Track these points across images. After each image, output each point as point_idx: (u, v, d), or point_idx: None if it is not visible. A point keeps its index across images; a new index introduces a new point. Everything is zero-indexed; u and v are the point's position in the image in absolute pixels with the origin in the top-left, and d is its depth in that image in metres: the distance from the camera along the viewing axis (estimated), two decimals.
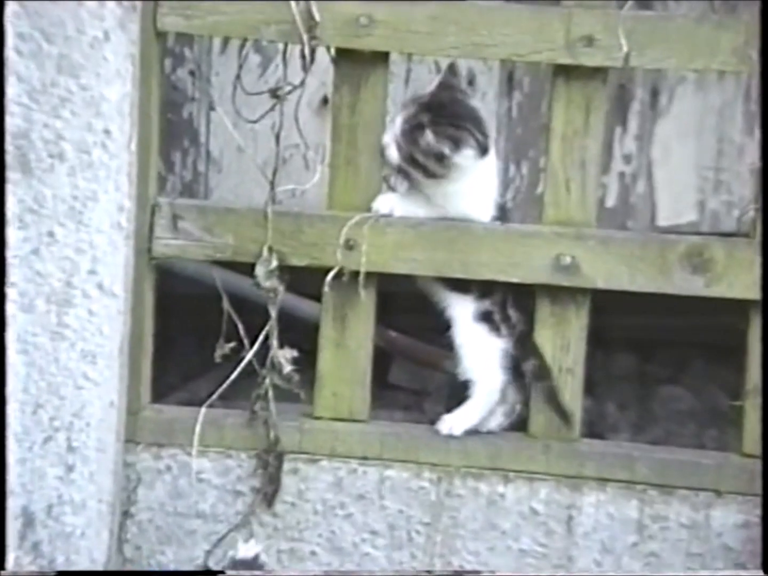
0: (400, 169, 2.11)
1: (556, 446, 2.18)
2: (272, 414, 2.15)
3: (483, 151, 2.09)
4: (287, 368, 2.15)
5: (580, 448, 2.19)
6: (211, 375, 2.67)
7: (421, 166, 2.08)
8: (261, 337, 2.14)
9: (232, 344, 2.14)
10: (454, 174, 2.09)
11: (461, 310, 2.19)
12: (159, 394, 2.32)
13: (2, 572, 1.93)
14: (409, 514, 2.19)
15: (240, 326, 2.15)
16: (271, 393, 2.14)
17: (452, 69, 2.13)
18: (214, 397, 2.17)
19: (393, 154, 2.10)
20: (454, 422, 2.20)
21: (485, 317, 2.18)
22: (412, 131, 2.07)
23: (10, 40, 1.90)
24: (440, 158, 2.06)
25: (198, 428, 2.16)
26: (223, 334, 2.15)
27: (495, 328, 2.18)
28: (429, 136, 2.05)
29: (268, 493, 2.17)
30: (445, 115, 2.07)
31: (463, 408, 2.22)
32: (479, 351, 2.18)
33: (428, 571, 2.17)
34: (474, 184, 2.13)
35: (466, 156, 2.07)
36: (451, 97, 2.11)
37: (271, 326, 2.15)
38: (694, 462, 2.18)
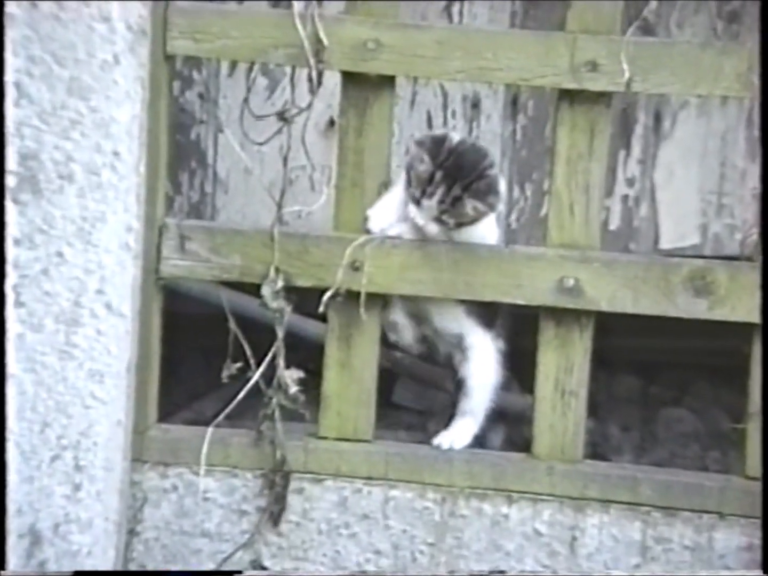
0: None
1: (560, 467, 2.19)
2: (279, 434, 2.16)
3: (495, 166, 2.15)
4: (293, 389, 2.16)
5: (584, 470, 2.19)
6: (217, 394, 2.68)
7: (469, 223, 2.12)
8: (267, 359, 2.15)
9: (239, 364, 2.15)
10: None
11: (482, 342, 2.25)
12: (165, 413, 2.34)
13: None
14: (413, 534, 2.20)
15: (246, 347, 2.16)
16: (277, 413, 2.15)
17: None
18: (221, 417, 2.18)
19: (434, 230, 2.12)
20: (454, 437, 2.22)
21: (498, 349, 2.26)
22: (453, 208, 2.09)
23: (21, 62, 1.93)
24: (491, 208, 2.12)
25: (205, 448, 2.17)
26: (230, 355, 2.16)
27: (503, 356, 2.26)
28: (471, 203, 2.09)
29: (275, 512, 2.18)
30: (466, 175, 2.09)
31: (462, 423, 2.25)
32: (490, 380, 2.25)
33: None
34: (493, 219, 2.18)
35: (499, 201, 2.13)
36: (452, 152, 2.11)
37: (278, 347, 2.16)
38: (697, 484, 2.18)
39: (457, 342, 2.27)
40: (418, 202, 2.11)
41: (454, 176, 2.08)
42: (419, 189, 2.11)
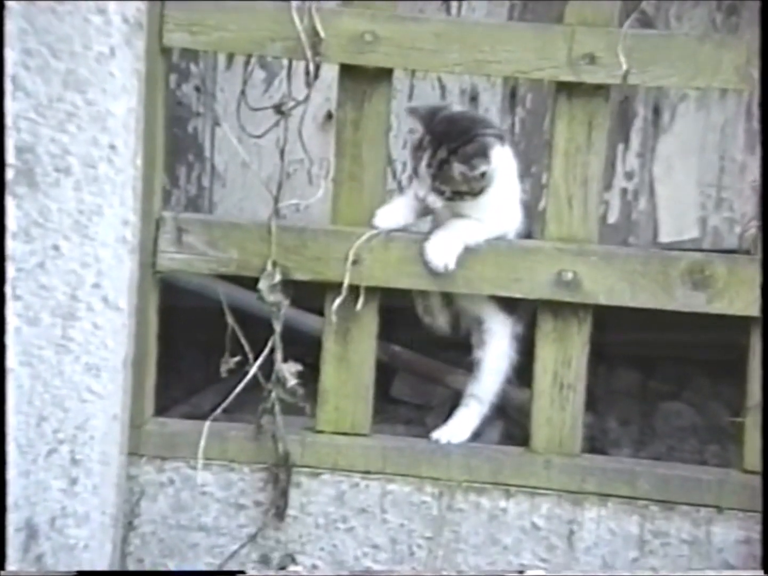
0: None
1: (558, 461, 2.18)
2: (280, 428, 2.16)
3: (500, 138, 2.12)
4: (291, 382, 2.15)
5: (582, 464, 2.19)
6: (215, 388, 2.68)
7: (465, 193, 2.10)
8: (265, 351, 2.15)
9: (237, 358, 2.15)
10: (493, 181, 2.11)
11: (502, 328, 2.24)
12: (162, 407, 2.33)
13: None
14: (410, 528, 2.20)
15: (244, 341, 2.15)
16: (278, 407, 2.15)
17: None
18: (218, 411, 2.18)
19: (437, 202, 2.11)
20: (453, 431, 2.22)
21: (517, 336, 2.25)
22: (441, 172, 2.07)
23: (17, 55, 1.92)
24: (482, 175, 2.08)
25: (202, 441, 2.16)
26: (228, 349, 2.15)
27: (519, 342, 2.25)
28: (458, 168, 2.06)
29: (280, 506, 2.18)
30: (454, 139, 2.07)
31: (462, 416, 2.25)
32: (504, 365, 2.25)
33: None
34: (504, 183, 2.14)
35: (496, 157, 2.09)
36: (445, 118, 2.11)
37: (275, 340, 2.16)
38: (696, 478, 2.18)
39: (477, 325, 2.26)
40: (415, 171, 2.11)
41: (440, 139, 2.07)
42: (413, 157, 2.11)
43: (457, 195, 2.09)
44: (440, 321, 2.30)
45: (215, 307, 2.24)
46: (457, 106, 2.15)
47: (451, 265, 2.12)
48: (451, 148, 2.06)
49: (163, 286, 2.23)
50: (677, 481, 2.17)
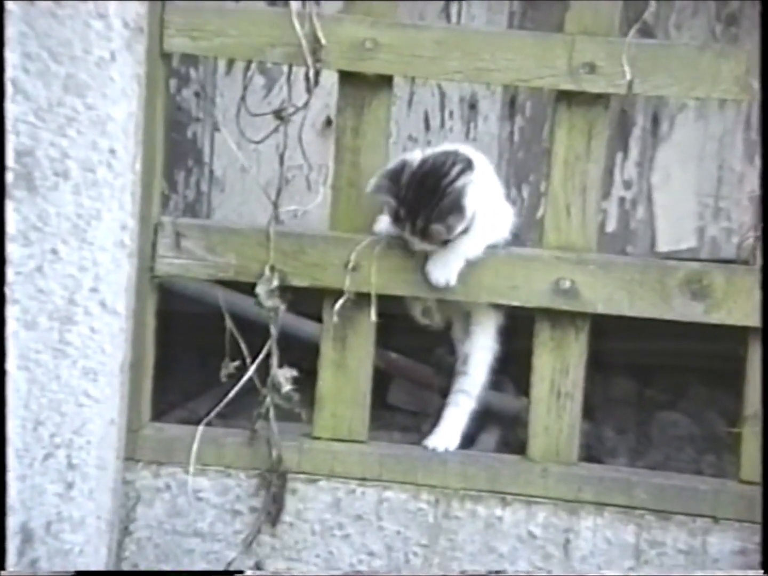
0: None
1: (555, 470, 2.18)
2: (274, 433, 2.16)
3: (469, 167, 2.09)
4: (286, 387, 2.15)
5: (579, 472, 2.19)
6: (212, 393, 2.66)
7: (447, 241, 2.10)
8: (261, 356, 2.15)
9: (236, 363, 2.15)
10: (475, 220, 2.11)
11: (488, 320, 2.26)
12: (159, 412, 2.33)
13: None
14: (406, 535, 2.19)
15: (243, 345, 2.15)
16: (272, 412, 2.15)
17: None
18: (212, 415, 2.18)
19: (429, 248, 2.11)
20: (446, 437, 2.23)
21: (501, 329, 2.27)
22: (424, 236, 2.07)
23: (17, 59, 1.92)
24: (464, 230, 2.09)
25: (195, 446, 2.16)
26: (227, 354, 2.15)
27: (502, 338, 2.27)
28: (436, 228, 2.05)
29: (272, 512, 2.17)
30: (427, 203, 2.06)
31: (452, 418, 2.25)
32: (490, 358, 2.27)
33: None
34: (486, 202, 2.14)
35: (472, 198, 2.08)
36: (411, 182, 2.08)
37: (271, 345, 2.16)
38: (692, 488, 2.18)
39: (465, 318, 2.27)
40: (401, 231, 2.11)
41: (415, 210, 2.06)
42: (394, 224, 2.10)
43: (447, 241, 2.10)
44: (436, 320, 2.30)
45: (212, 311, 2.24)
46: (415, 153, 2.11)
47: (453, 282, 2.13)
48: (426, 215, 2.05)
49: (160, 290, 2.23)
50: (674, 490, 2.17)
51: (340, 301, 2.14)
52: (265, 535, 2.19)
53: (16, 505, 1.98)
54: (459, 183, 2.07)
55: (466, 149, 2.16)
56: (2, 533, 1.95)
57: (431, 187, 2.07)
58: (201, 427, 2.18)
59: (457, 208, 2.07)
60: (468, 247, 2.13)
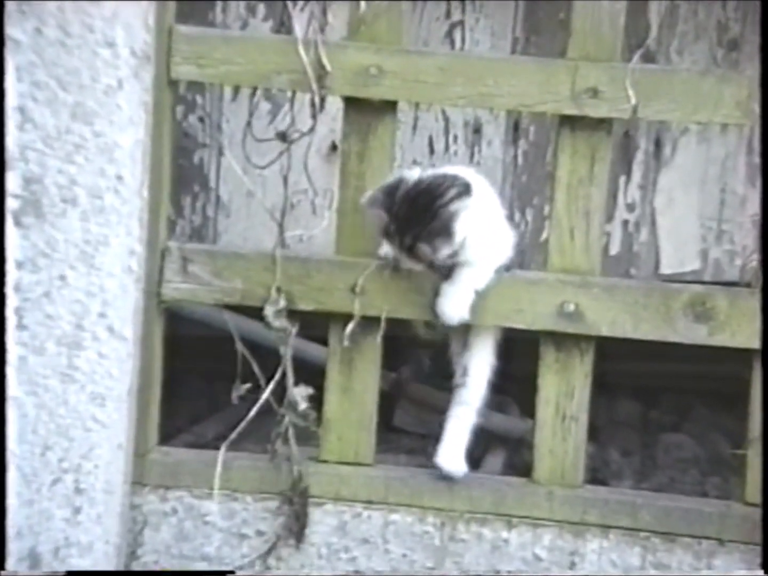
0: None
1: (560, 492, 2.19)
2: (293, 451, 2.16)
3: (466, 191, 2.07)
4: (303, 405, 2.16)
5: (584, 495, 2.20)
6: (217, 417, 2.69)
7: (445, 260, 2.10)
8: (276, 378, 2.15)
9: (248, 385, 2.15)
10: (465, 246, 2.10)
11: (487, 335, 2.24)
12: (166, 436, 2.34)
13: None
14: (412, 558, 2.20)
15: (255, 367, 2.16)
16: (291, 431, 2.15)
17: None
18: (228, 441, 2.17)
19: (418, 267, 2.10)
20: (453, 457, 2.22)
21: (499, 342, 2.26)
22: (411, 254, 2.07)
23: (26, 87, 1.94)
24: (451, 255, 2.08)
25: (218, 468, 2.16)
26: (239, 376, 2.16)
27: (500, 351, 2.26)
28: (423, 248, 2.04)
29: (294, 530, 2.17)
30: (417, 222, 2.05)
31: (453, 435, 2.24)
32: (489, 370, 2.25)
33: None
34: (483, 228, 2.13)
35: (464, 223, 2.06)
36: (405, 199, 2.07)
37: (285, 365, 2.16)
38: (697, 510, 2.18)
39: (464, 331, 2.25)
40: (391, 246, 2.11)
41: (405, 227, 2.05)
42: (386, 240, 2.10)
43: (435, 263, 2.09)
44: (439, 334, 2.31)
45: (217, 335, 2.25)
46: (414, 171, 2.10)
47: (466, 317, 2.13)
48: (415, 233, 2.05)
49: (167, 315, 2.24)
50: (679, 513, 2.18)
51: (351, 325, 2.14)
52: (272, 558, 2.20)
53: (23, 531, 1.99)
54: (452, 207, 2.06)
55: (467, 172, 2.16)
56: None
57: (424, 206, 2.06)
58: (222, 451, 2.17)
59: (446, 231, 2.06)
60: (474, 279, 2.13)
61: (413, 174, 2.10)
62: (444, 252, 2.07)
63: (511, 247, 2.19)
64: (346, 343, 2.16)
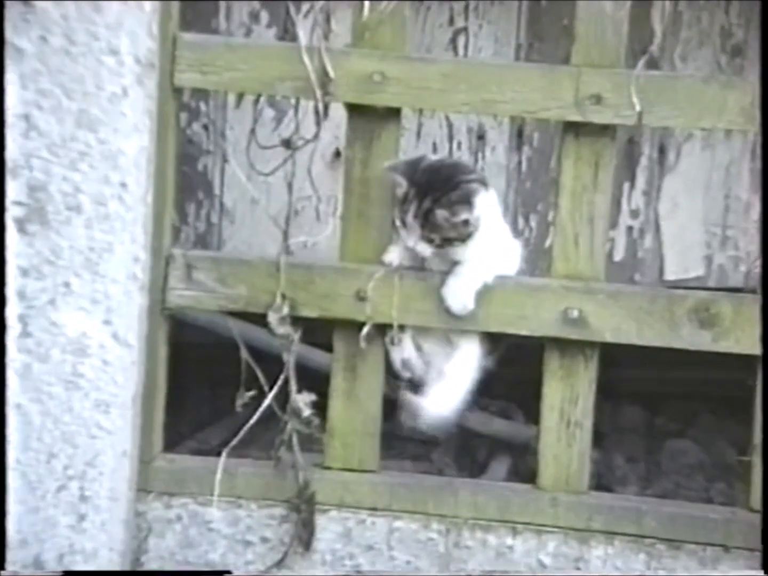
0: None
1: (565, 499, 2.18)
2: (298, 458, 2.16)
3: (484, 184, 2.12)
4: (306, 412, 2.16)
5: (589, 501, 2.19)
6: (222, 424, 2.69)
7: (454, 239, 2.10)
8: (278, 384, 2.15)
9: (252, 392, 2.15)
10: (479, 226, 2.11)
11: (472, 349, 2.23)
12: (170, 443, 2.34)
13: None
14: (417, 565, 2.20)
15: (260, 374, 2.16)
16: (295, 438, 2.15)
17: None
18: (230, 446, 2.18)
19: (426, 250, 2.11)
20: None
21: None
22: (427, 221, 2.07)
23: (31, 95, 1.95)
24: (465, 222, 2.08)
25: (218, 476, 2.16)
26: (243, 383, 2.16)
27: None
28: (441, 214, 2.06)
29: (303, 537, 2.18)
30: (438, 188, 2.08)
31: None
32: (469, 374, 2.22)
33: None
34: (491, 228, 2.14)
35: (480, 203, 2.09)
36: (428, 169, 2.11)
37: (288, 372, 2.16)
38: (702, 516, 2.18)
39: (445, 341, 2.24)
40: (403, 223, 2.11)
41: (425, 190, 2.07)
42: (400, 210, 2.10)
43: (447, 242, 2.09)
44: (418, 370, 2.26)
45: (222, 342, 2.25)
46: (434, 156, 2.15)
47: (471, 305, 2.13)
48: (435, 197, 2.07)
49: (171, 321, 2.24)
50: (684, 519, 2.17)
51: (365, 329, 2.14)
52: (283, 566, 2.19)
53: (29, 538, 1.99)
54: (473, 185, 2.09)
55: None
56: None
57: (446, 177, 2.09)
58: (223, 458, 2.17)
59: (466, 200, 2.07)
60: (481, 267, 2.13)
61: (435, 156, 2.15)
62: (462, 216, 2.06)
63: (518, 260, 2.20)
64: (362, 345, 2.15)
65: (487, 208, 2.12)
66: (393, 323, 2.15)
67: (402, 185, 2.09)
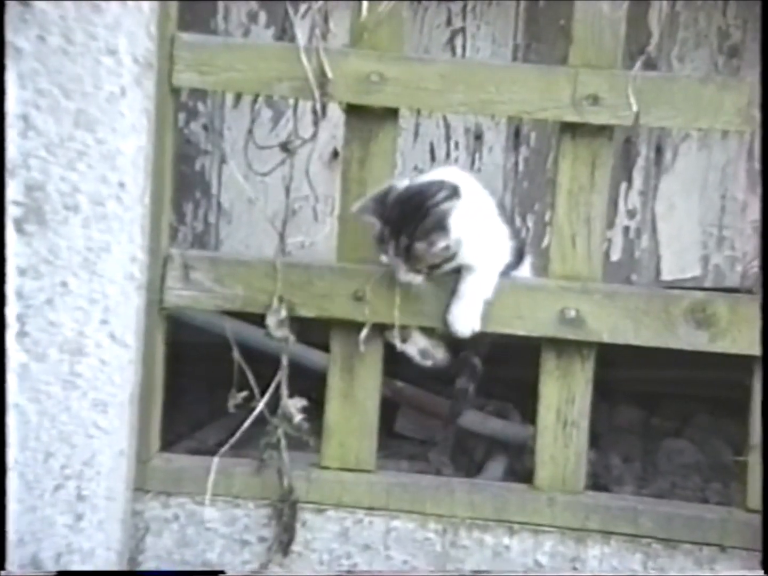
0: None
1: (561, 499, 2.19)
2: (285, 462, 2.16)
3: (455, 194, 2.06)
4: (297, 417, 2.16)
5: (585, 501, 2.20)
6: (219, 423, 2.69)
7: (441, 263, 2.08)
8: (271, 387, 2.16)
9: (244, 393, 2.16)
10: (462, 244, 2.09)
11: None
12: (168, 442, 2.34)
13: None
14: (414, 564, 2.20)
15: (250, 376, 2.16)
16: (283, 442, 2.16)
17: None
18: (225, 448, 2.18)
19: (417, 279, 2.09)
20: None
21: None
22: (408, 256, 2.05)
23: (29, 95, 1.95)
24: (446, 247, 2.06)
25: (212, 477, 2.17)
26: (235, 384, 2.16)
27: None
28: (420, 246, 2.04)
29: (283, 542, 2.18)
30: (410, 221, 2.04)
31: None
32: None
33: None
34: (478, 228, 2.12)
35: (457, 221, 2.06)
36: (396, 202, 2.07)
37: (281, 375, 2.17)
38: (698, 516, 2.19)
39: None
40: (387, 259, 2.09)
41: (399, 227, 2.04)
42: (379, 249, 2.09)
43: (434, 267, 2.08)
44: (438, 355, 2.29)
45: (219, 342, 2.25)
46: (402, 181, 2.10)
47: (477, 328, 2.13)
48: (410, 231, 2.04)
49: (169, 321, 2.24)
50: (680, 519, 2.18)
51: (364, 331, 2.14)
52: (274, 564, 2.20)
53: (26, 537, 1.99)
54: (444, 206, 2.05)
55: (455, 174, 2.15)
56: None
57: (415, 207, 2.05)
58: (216, 459, 2.18)
59: (440, 226, 2.05)
60: (480, 288, 2.13)
61: (402, 182, 2.10)
62: (440, 245, 2.05)
63: (508, 250, 2.18)
64: (361, 348, 2.16)
65: (466, 219, 2.08)
66: (395, 323, 2.15)
67: (375, 224, 2.07)
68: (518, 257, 2.22)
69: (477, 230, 2.11)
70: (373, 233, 2.09)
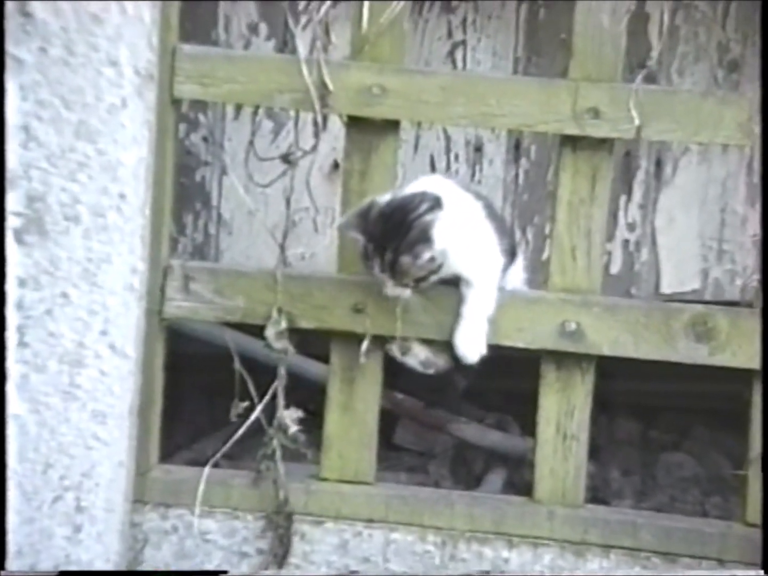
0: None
1: (561, 512, 2.19)
2: (280, 474, 2.16)
3: (438, 205, 2.04)
4: (293, 428, 2.16)
5: (585, 515, 2.20)
6: (219, 434, 2.68)
7: (427, 275, 2.07)
8: (267, 397, 2.16)
9: (246, 403, 2.15)
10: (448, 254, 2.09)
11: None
12: (167, 453, 2.34)
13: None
14: None
15: (251, 386, 2.16)
16: (279, 453, 2.16)
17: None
18: (217, 457, 2.19)
19: (405, 293, 2.08)
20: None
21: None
22: (394, 271, 2.04)
23: (30, 106, 1.95)
24: (431, 259, 2.05)
25: (201, 486, 2.16)
26: (236, 394, 2.16)
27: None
28: (404, 260, 2.03)
29: (278, 554, 2.18)
30: (393, 236, 2.03)
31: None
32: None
33: None
34: (466, 237, 2.11)
35: (441, 232, 2.04)
36: (378, 218, 2.05)
37: (277, 387, 2.17)
38: (698, 530, 2.19)
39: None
40: (374, 275, 2.08)
41: (383, 242, 2.03)
42: (365, 265, 2.08)
43: (421, 280, 2.07)
44: (440, 363, 2.27)
45: (218, 352, 2.25)
46: (384, 197, 2.08)
47: (484, 351, 2.13)
48: (394, 246, 2.03)
49: (169, 332, 2.24)
50: (679, 533, 2.18)
51: (365, 344, 2.14)
52: None
53: (24, 549, 1.99)
54: (426, 218, 2.03)
55: (437, 184, 2.14)
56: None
57: (398, 221, 2.04)
58: (207, 469, 2.18)
59: (424, 238, 2.03)
60: (481, 307, 2.13)
61: (384, 197, 2.09)
62: (425, 256, 2.03)
63: (501, 252, 2.16)
64: (362, 360, 2.16)
65: (451, 229, 2.06)
66: (397, 335, 2.15)
67: (359, 240, 2.06)
68: (510, 255, 2.20)
69: (463, 239, 2.10)
70: (357, 249, 2.08)
